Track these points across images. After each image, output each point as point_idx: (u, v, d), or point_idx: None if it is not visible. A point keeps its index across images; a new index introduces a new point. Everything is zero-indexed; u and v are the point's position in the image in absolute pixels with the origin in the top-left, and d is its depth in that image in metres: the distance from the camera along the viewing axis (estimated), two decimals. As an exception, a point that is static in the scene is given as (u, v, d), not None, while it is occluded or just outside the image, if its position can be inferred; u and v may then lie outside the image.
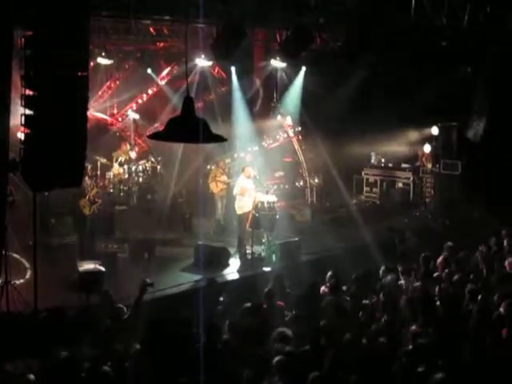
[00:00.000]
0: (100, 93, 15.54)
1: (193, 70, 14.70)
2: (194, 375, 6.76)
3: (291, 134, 17.37)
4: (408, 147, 17.46)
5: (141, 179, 15.11)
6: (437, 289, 9.07)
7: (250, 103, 16.93)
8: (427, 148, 16.83)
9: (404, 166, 17.45)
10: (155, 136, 7.24)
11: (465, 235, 12.81)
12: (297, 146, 17.43)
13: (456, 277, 9.45)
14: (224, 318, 8.33)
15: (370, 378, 6.52)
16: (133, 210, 14.31)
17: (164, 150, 15.41)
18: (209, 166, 15.31)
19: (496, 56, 14.13)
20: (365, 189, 17.79)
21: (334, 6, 11.30)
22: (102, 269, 10.50)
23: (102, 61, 14.03)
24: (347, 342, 7.23)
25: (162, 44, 14.33)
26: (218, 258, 12.21)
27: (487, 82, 14.62)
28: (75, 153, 8.27)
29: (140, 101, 16.30)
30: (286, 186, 16.70)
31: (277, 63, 15.48)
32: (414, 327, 7.57)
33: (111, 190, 14.63)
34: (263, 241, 12.82)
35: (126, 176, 14.80)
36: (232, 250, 12.62)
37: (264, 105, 17.58)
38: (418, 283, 9.41)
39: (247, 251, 12.61)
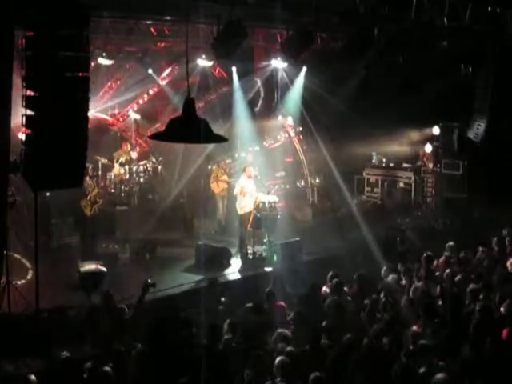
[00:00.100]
0: (101, 93, 15.52)
1: (194, 70, 14.70)
2: (195, 375, 6.78)
3: (292, 134, 17.36)
4: (409, 147, 17.44)
5: (142, 179, 15.10)
6: (438, 289, 9.07)
7: (251, 103, 16.92)
8: (428, 148, 16.81)
9: (405, 165, 17.42)
10: (156, 136, 7.27)
11: (466, 235, 12.82)
12: (298, 146, 17.42)
13: (458, 277, 9.45)
14: (225, 317, 8.33)
15: (371, 378, 6.53)
16: (134, 211, 14.30)
17: (165, 150, 15.42)
18: (210, 166, 15.32)
19: (496, 56, 14.13)
20: (366, 189, 17.76)
21: (334, 5, 11.28)
22: (104, 269, 10.53)
23: (103, 61, 14.01)
24: (348, 342, 7.24)
25: (162, 44, 14.32)
26: (219, 258, 12.22)
27: (488, 81, 14.61)
28: (76, 153, 8.26)
29: (141, 101, 16.28)
30: (287, 186, 16.68)
31: (278, 63, 15.51)
32: (414, 327, 7.58)
33: (112, 191, 14.62)
34: (264, 241, 12.82)
35: (127, 176, 14.79)
36: (233, 250, 12.63)
37: (265, 105, 17.58)
38: (419, 283, 9.41)
39: (248, 251, 12.62)
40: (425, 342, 7.03)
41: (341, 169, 16.35)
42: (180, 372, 7.00)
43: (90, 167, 13.26)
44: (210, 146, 14.45)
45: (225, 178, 14.66)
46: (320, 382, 6.32)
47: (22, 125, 8.28)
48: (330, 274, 9.75)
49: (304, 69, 16.31)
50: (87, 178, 12.57)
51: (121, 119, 16.21)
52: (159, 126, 15.27)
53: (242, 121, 15.91)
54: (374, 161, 17.87)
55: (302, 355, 7.00)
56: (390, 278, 9.76)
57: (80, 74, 8.21)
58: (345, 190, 16.00)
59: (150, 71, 15.48)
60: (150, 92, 16.30)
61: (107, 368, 6.67)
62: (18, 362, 8.00)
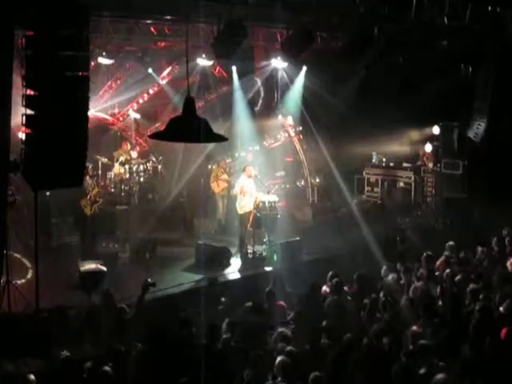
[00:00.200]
0: (101, 92, 15.51)
1: (194, 69, 14.69)
2: (195, 375, 6.78)
3: (292, 134, 17.36)
4: (409, 147, 17.43)
5: (142, 179, 15.09)
6: (438, 289, 9.07)
7: (251, 103, 16.92)
8: (428, 147, 16.80)
9: (405, 165, 17.41)
10: (156, 136, 7.27)
11: (466, 235, 12.81)
12: (298, 146, 17.42)
13: (458, 277, 9.45)
14: (225, 317, 8.32)
15: (371, 378, 6.53)
16: (134, 210, 14.28)
17: (165, 149, 15.41)
18: (210, 166, 15.32)
19: (496, 56, 14.12)
20: (366, 188, 17.76)
21: (334, 5, 11.28)
22: (104, 268, 10.52)
23: (103, 60, 14.02)
24: (348, 342, 7.24)
25: (163, 43, 14.31)
26: (219, 258, 12.22)
27: (488, 81, 14.60)
28: (76, 152, 8.25)
29: (141, 100, 16.28)
30: (287, 186, 16.68)
31: (278, 63, 15.51)
32: (414, 327, 7.58)
33: (112, 190, 14.61)
34: (264, 240, 12.82)
35: (127, 176, 14.78)
36: (233, 250, 12.63)
37: (265, 104, 17.58)
38: (419, 283, 9.41)
39: (248, 251, 12.62)
40: (425, 341, 7.02)
41: (341, 168, 16.35)
42: (180, 372, 7.00)
43: (90, 166, 13.26)
44: (210, 146, 14.44)
45: (225, 177, 14.67)
46: (320, 382, 6.33)
47: (22, 124, 8.27)
48: (330, 273, 9.75)
49: (304, 68, 16.31)
50: (87, 177, 12.57)
51: (121, 118, 16.20)
52: (159, 126, 15.29)
53: (242, 120, 15.91)
54: (374, 160, 17.87)
55: (302, 355, 7.00)
56: (390, 277, 9.76)
57: (80, 73, 8.20)
58: (345, 190, 16.00)
59: (150, 70, 15.47)
60: (150, 91, 16.30)
61: (107, 368, 6.67)
62: (17, 361, 8.00)
